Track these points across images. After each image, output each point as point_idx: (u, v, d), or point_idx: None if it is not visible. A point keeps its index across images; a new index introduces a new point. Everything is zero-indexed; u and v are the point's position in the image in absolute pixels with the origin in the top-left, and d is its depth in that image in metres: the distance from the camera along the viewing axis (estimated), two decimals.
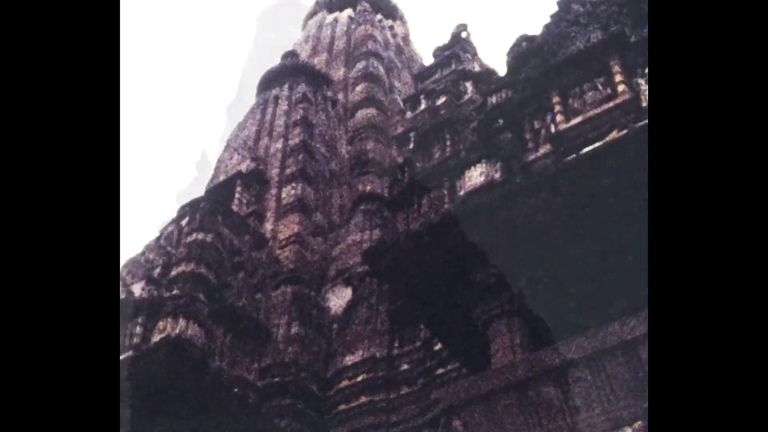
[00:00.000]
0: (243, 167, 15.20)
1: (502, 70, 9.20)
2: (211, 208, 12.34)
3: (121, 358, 9.37)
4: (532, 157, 7.41)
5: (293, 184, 14.40)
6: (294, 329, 11.30)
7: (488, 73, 13.13)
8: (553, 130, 7.24)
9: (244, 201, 14.48)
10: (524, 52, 8.48)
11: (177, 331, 10.18)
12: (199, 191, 16.23)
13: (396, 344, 10.72)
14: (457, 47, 14.76)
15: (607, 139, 6.61)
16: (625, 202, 6.40)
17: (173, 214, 13.78)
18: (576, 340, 5.96)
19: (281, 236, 13.62)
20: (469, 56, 14.80)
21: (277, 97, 17.11)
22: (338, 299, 12.31)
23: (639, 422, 5.49)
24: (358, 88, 17.34)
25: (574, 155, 6.72)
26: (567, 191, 6.62)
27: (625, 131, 6.51)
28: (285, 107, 16.55)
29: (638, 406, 5.57)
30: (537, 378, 6.06)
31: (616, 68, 7.06)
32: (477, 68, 14.43)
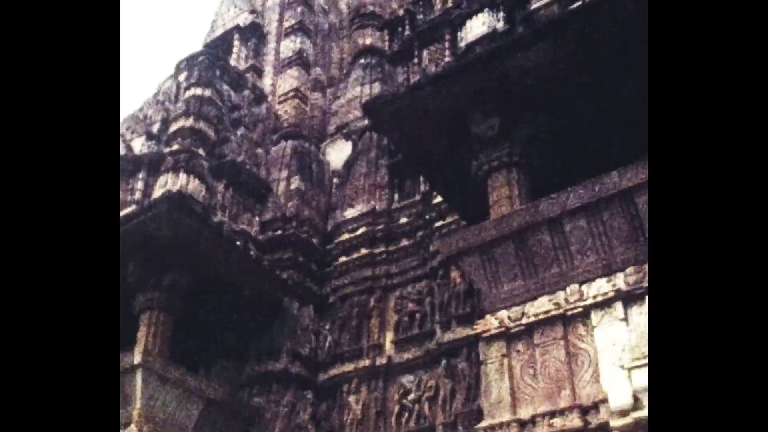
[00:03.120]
0: (240, 20, 14.83)
1: None
2: (209, 63, 12.12)
3: (123, 213, 9.47)
4: (536, 5, 7.19)
5: (292, 38, 14.08)
6: (294, 183, 11.34)
7: None
8: None
9: (242, 55, 14.21)
10: None
11: (178, 185, 10.23)
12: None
13: (395, 197, 10.77)
14: None
15: None
16: (631, 52, 6.27)
17: (172, 70, 13.58)
18: (574, 190, 5.99)
19: (280, 91, 13.45)
20: None
21: None
22: (338, 154, 12.28)
23: (631, 267, 5.60)
24: None
25: (580, 2, 6.51)
26: (571, 41, 6.47)
27: None
28: None
29: (631, 253, 5.68)
30: (534, 227, 6.13)
31: None
32: None
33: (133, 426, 8.10)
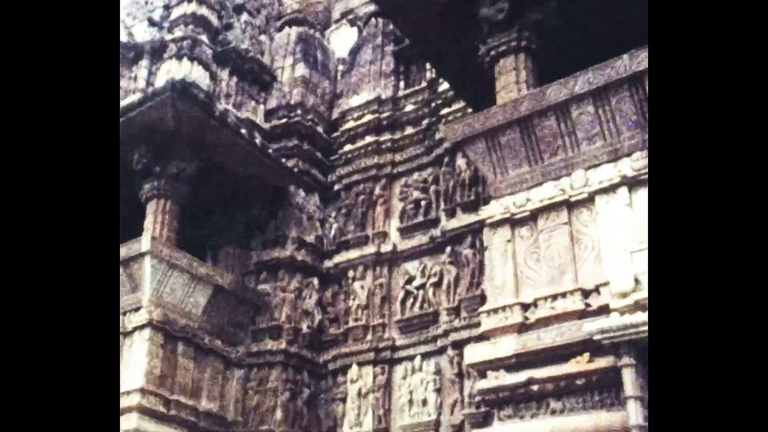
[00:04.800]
0: None
1: None
2: None
3: (127, 101, 9.38)
4: None
5: None
6: (299, 71, 11.17)
7: None
8: None
9: None
10: None
11: (181, 73, 10.10)
12: None
13: (401, 85, 10.63)
14: None
15: None
16: None
17: None
18: (582, 75, 5.89)
19: None
20: None
21: None
22: (343, 40, 12.07)
23: (638, 153, 5.57)
24: None
25: None
26: None
27: None
28: None
29: (639, 139, 5.63)
30: (541, 113, 6.07)
31: None
32: None
33: (143, 310, 8.29)
